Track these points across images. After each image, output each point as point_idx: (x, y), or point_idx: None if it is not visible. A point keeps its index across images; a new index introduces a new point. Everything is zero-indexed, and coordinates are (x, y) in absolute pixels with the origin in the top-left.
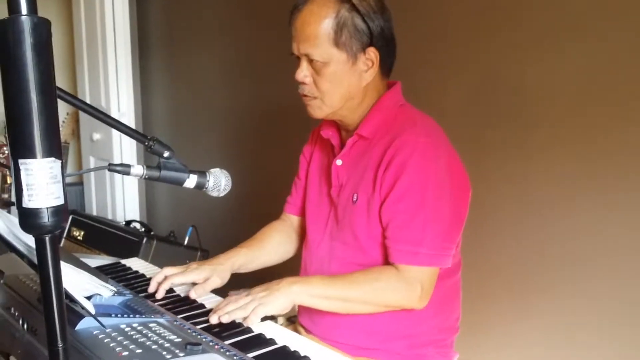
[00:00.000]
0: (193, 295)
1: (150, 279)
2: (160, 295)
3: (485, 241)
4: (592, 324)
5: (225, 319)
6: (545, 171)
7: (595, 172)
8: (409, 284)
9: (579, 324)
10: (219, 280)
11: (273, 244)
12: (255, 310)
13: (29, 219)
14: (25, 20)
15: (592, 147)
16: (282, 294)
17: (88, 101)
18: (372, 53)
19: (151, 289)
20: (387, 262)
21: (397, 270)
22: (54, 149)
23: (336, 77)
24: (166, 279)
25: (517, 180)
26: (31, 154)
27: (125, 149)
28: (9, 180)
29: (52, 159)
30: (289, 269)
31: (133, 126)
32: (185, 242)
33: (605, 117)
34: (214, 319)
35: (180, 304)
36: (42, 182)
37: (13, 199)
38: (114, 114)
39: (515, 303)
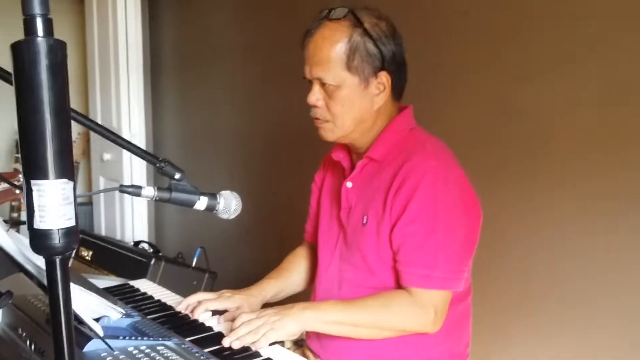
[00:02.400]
0: (221, 320)
1: (158, 300)
2: (197, 316)
3: (496, 265)
4: (607, 349)
5: (236, 345)
6: (559, 195)
7: (610, 195)
8: (422, 308)
9: (592, 349)
10: (249, 310)
11: (300, 272)
12: (265, 335)
13: (39, 240)
14: (41, 41)
15: (606, 170)
16: (293, 320)
17: (99, 121)
18: (384, 77)
19: (181, 309)
20: (397, 285)
21: (410, 294)
22: (67, 170)
23: (348, 101)
24: (200, 303)
25: (530, 204)
26: (44, 175)
27: (136, 170)
28: (22, 207)
29: (65, 180)
30: (300, 292)
31: (144, 147)
32: (194, 264)
33: (619, 140)
34: (226, 343)
35: (188, 327)
36: (53, 203)
37: (22, 218)
38: (125, 134)
39: (527, 328)
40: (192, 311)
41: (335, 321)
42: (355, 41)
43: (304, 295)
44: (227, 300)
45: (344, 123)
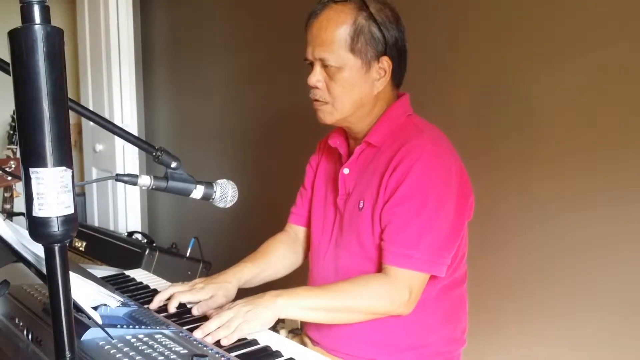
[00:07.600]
0: (196, 312)
1: (154, 290)
2: (172, 310)
3: (492, 253)
4: (600, 338)
5: (210, 340)
6: (554, 183)
7: (605, 184)
8: (397, 288)
9: (586, 338)
10: (224, 299)
11: (278, 257)
12: (239, 328)
13: (38, 228)
14: (38, 29)
15: (601, 159)
16: (266, 309)
17: None
18: (386, 62)
19: (154, 306)
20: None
21: (387, 274)
22: (65, 158)
23: (349, 83)
24: (173, 296)
25: (525, 192)
26: (42, 163)
27: (128, 160)
28: (15, 194)
29: (63, 168)
30: (295, 280)
31: None
32: (188, 254)
33: (615, 128)
34: (198, 334)
35: (185, 316)
36: (52, 191)
37: (16, 209)
38: (117, 124)
39: (522, 315)
40: (164, 306)
41: (309, 307)
42: (360, 24)
43: (296, 283)
44: (199, 292)
45: (343, 105)
